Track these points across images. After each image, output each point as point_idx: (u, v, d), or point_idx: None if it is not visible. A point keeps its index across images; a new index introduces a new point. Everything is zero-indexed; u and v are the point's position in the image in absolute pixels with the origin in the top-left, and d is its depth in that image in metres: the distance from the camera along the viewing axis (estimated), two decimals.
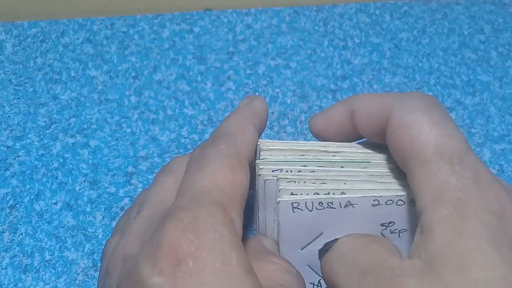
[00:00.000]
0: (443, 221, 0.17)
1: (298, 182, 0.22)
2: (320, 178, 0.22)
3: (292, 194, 0.21)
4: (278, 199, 0.21)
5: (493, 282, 0.16)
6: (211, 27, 0.48)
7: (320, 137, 0.25)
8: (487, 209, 0.17)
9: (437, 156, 0.18)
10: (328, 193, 0.21)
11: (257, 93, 0.43)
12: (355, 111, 0.23)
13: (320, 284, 0.23)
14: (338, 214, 0.21)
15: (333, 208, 0.21)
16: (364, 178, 0.22)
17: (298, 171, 0.23)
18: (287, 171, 0.23)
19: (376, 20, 0.49)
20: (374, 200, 0.21)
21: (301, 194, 0.21)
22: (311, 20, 0.49)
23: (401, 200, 0.21)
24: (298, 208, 0.21)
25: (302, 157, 0.24)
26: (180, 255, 0.18)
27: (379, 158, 0.24)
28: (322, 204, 0.21)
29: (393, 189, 0.21)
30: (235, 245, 0.19)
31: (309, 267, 0.23)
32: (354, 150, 0.24)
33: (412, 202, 0.21)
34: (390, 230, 0.22)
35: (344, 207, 0.21)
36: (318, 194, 0.21)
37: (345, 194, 0.21)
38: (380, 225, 0.22)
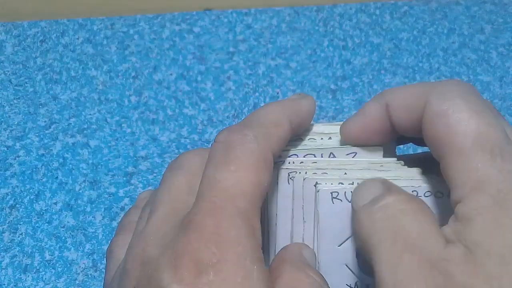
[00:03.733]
0: (484, 212, 0.17)
1: (300, 172, 0.22)
2: (321, 167, 0.22)
3: (317, 184, 0.21)
4: (318, 187, 0.21)
5: None
6: (211, 27, 0.48)
7: (356, 142, 0.23)
8: None
9: (477, 146, 0.18)
10: (352, 183, 0.21)
11: (256, 93, 0.43)
12: (389, 104, 0.21)
13: (357, 285, 0.23)
14: None
15: None
16: (364, 166, 0.22)
17: (301, 162, 0.23)
18: (289, 163, 0.23)
19: (376, 20, 0.49)
20: (412, 191, 0.21)
21: (326, 183, 0.21)
22: (311, 20, 0.49)
23: (439, 192, 0.21)
24: (337, 199, 0.21)
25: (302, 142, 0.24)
26: (202, 266, 0.18)
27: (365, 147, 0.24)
28: None
29: (404, 178, 0.21)
30: (257, 259, 0.18)
31: (347, 266, 0.23)
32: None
33: (426, 193, 0.21)
34: None
35: None
36: (342, 184, 0.21)
37: None
38: None
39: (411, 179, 0.21)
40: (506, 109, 0.43)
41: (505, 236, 0.16)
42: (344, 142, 0.23)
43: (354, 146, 0.23)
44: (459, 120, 0.18)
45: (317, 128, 0.24)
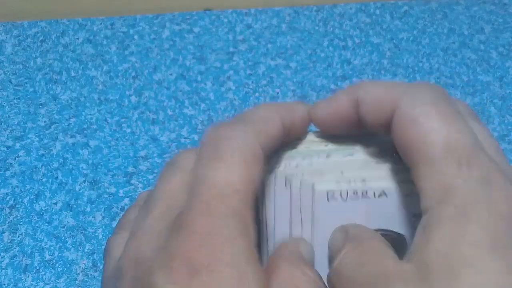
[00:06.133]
0: (444, 226, 0.17)
1: (296, 174, 0.22)
2: (318, 169, 0.22)
3: (314, 185, 0.21)
4: (314, 187, 0.21)
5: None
6: (211, 27, 0.48)
7: (322, 128, 0.23)
8: (494, 213, 0.16)
9: (445, 155, 0.18)
10: (349, 182, 0.21)
11: (256, 93, 0.43)
12: (360, 100, 0.21)
13: None
14: (371, 206, 0.21)
15: (367, 197, 0.21)
16: (360, 165, 0.22)
17: (296, 166, 0.23)
18: (285, 166, 0.23)
19: (376, 20, 0.49)
20: (407, 189, 0.21)
21: (324, 184, 0.21)
22: (311, 20, 0.49)
23: None
24: (333, 198, 0.21)
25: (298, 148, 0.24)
26: (195, 267, 0.17)
27: (363, 144, 0.24)
28: (357, 193, 0.21)
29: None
30: (251, 259, 0.18)
31: None
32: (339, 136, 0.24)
33: (409, 195, 0.21)
34: None
35: (378, 197, 0.21)
36: (339, 183, 0.21)
37: (365, 181, 0.21)
38: (413, 216, 0.21)
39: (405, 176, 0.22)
40: (506, 109, 0.43)
41: (459, 249, 0.16)
42: (315, 125, 0.24)
43: (324, 132, 0.23)
44: (429, 128, 0.18)
45: (312, 137, 0.24)
